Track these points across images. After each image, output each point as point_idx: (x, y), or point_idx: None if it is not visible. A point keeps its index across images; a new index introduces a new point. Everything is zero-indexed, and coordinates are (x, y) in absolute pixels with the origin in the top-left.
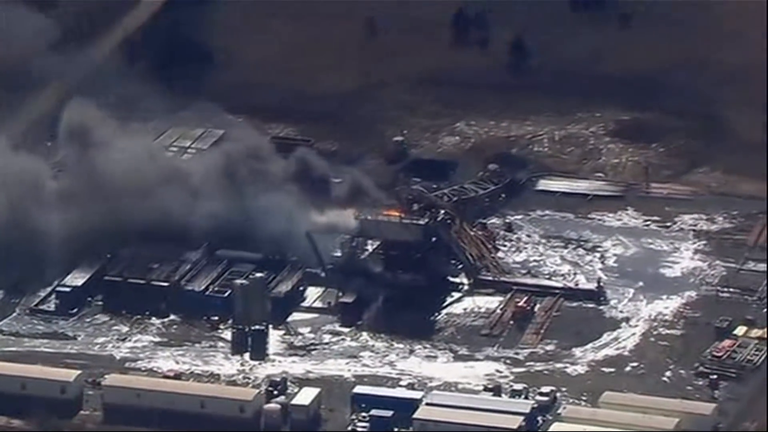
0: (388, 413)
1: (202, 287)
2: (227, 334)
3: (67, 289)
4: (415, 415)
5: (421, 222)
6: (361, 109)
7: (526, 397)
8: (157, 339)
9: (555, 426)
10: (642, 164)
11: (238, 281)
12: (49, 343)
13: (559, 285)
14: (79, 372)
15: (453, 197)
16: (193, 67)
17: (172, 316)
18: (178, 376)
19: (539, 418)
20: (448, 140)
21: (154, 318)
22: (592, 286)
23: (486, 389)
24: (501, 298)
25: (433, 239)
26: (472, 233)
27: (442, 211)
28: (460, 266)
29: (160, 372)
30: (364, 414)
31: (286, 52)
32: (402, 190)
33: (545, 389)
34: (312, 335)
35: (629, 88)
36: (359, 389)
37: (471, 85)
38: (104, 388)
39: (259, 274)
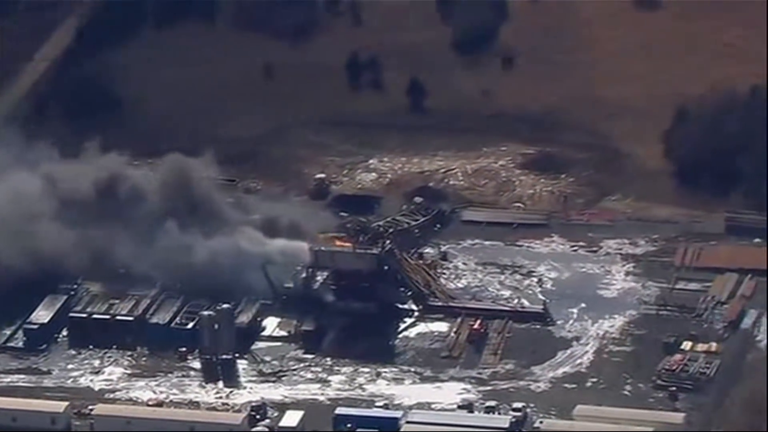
0: None
1: (167, 320)
2: (196, 364)
3: (35, 326)
4: None
5: (374, 251)
6: (273, 149)
7: (499, 413)
8: (129, 371)
9: None
10: (560, 193)
11: (206, 312)
12: (25, 377)
13: (507, 308)
14: (67, 403)
15: (388, 229)
16: (103, 115)
17: (138, 349)
18: (159, 405)
19: None
20: (365, 176)
21: (121, 351)
22: (539, 308)
23: (460, 407)
24: (450, 323)
25: (385, 268)
26: (413, 262)
27: (388, 242)
28: (409, 293)
29: (140, 401)
30: None
31: (190, 99)
32: (349, 221)
33: (517, 405)
34: (277, 362)
35: (524, 125)
36: (341, 410)
37: (373, 125)
38: (94, 418)
39: (225, 305)
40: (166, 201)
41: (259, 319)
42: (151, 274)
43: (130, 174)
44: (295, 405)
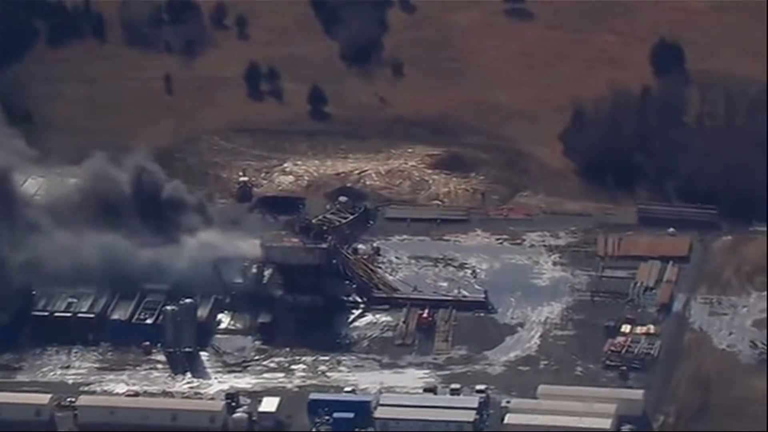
0: (350, 415)
1: (127, 316)
2: (161, 357)
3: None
4: (375, 415)
5: (324, 246)
6: (188, 157)
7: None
8: (98, 365)
9: (509, 417)
10: (476, 191)
11: (169, 307)
12: None
13: (450, 297)
14: (51, 395)
15: (323, 227)
16: (15, 128)
17: (102, 345)
18: (135, 396)
19: (484, 412)
20: (284, 179)
21: (85, 347)
22: (480, 297)
23: (425, 390)
24: (395, 313)
25: (333, 262)
26: (352, 257)
27: (330, 238)
28: (354, 286)
29: (117, 393)
30: (327, 417)
31: (95, 112)
32: (295, 219)
33: (480, 387)
34: (238, 354)
35: (424, 129)
36: (315, 395)
37: (280, 131)
38: (78, 408)
39: (188, 300)
40: None
41: (214, 313)
42: None
43: None
44: (266, 393)
